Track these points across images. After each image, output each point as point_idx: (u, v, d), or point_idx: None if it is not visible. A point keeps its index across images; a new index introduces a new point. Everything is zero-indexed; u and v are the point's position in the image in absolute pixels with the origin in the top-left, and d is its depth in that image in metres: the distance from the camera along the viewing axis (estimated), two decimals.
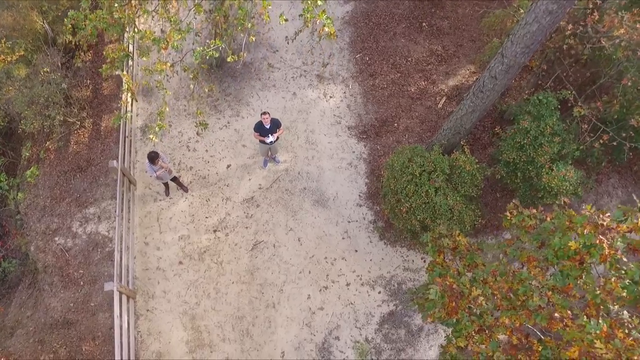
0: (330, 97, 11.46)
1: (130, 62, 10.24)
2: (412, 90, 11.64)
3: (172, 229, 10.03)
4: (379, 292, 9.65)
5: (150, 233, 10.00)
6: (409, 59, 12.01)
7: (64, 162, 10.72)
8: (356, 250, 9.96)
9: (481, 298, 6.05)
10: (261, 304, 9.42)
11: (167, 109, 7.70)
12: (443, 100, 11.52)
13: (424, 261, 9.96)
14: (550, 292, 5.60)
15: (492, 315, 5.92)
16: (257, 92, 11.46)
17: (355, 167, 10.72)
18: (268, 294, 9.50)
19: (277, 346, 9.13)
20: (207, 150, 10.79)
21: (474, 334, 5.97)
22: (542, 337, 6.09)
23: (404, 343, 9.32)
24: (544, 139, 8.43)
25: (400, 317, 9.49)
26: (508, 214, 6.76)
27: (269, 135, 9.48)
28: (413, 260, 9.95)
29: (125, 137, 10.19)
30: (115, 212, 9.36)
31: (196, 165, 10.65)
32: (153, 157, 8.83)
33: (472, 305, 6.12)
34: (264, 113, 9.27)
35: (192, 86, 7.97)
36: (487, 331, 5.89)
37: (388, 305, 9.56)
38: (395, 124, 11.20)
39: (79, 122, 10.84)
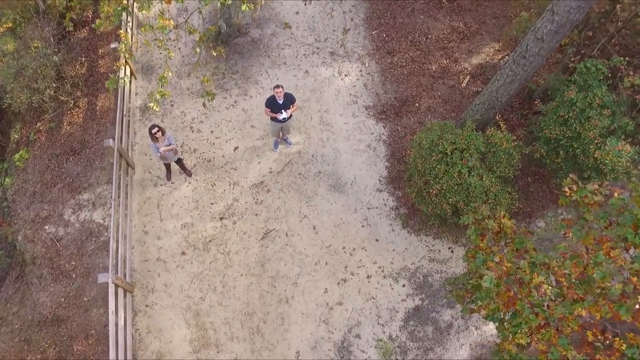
0: (346, 75, 10.40)
1: (128, 18, 9.15)
2: (434, 68, 10.57)
3: (174, 217, 8.92)
4: (403, 286, 8.56)
5: (150, 221, 8.88)
6: (429, 36, 10.96)
7: (56, 144, 9.61)
8: (377, 240, 8.87)
9: (545, 286, 4.97)
10: (273, 299, 8.31)
11: (170, 74, 6.61)
12: (467, 79, 10.47)
13: (452, 251, 8.88)
14: (635, 278, 4.53)
15: (559, 307, 4.84)
16: (267, 69, 10.38)
17: (374, 150, 9.63)
18: (280, 288, 8.39)
19: (291, 345, 8.02)
20: (212, 132, 9.69)
21: (537, 329, 4.88)
22: (617, 332, 5.02)
23: (432, 341, 8.21)
24: (592, 111, 7.36)
25: (427, 313, 8.39)
26: (566, 189, 5.69)
27: (282, 111, 8.40)
28: (440, 251, 8.86)
29: (122, 116, 9.09)
30: (111, 197, 8.27)
31: (200, 147, 9.55)
32: (151, 130, 7.74)
33: (534, 295, 5.04)
34: (277, 86, 8.20)
35: (198, 50, 6.87)
36: (555, 326, 4.80)
37: (413, 300, 8.46)
38: (417, 104, 10.13)
39: (72, 101, 9.73)
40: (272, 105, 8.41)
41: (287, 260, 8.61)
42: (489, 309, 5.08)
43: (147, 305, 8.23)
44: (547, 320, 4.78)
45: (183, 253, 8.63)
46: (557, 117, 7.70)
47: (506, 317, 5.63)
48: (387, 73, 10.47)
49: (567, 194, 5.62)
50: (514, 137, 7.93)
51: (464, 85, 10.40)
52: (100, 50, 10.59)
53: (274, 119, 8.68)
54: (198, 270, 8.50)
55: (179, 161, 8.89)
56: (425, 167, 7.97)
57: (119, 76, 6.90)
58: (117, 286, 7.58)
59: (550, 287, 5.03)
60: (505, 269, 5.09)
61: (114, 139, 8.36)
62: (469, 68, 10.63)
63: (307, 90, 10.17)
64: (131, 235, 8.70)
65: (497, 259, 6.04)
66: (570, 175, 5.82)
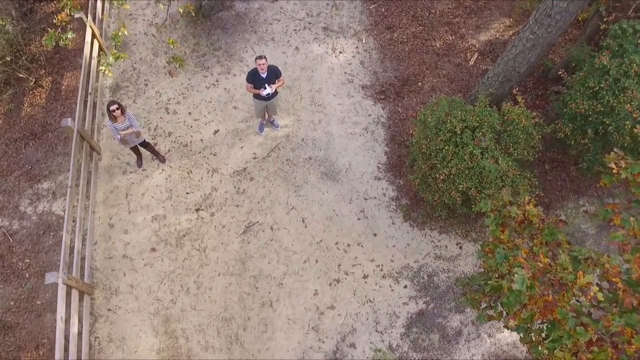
0: (340, 52, 9.12)
1: None
2: (438, 45, 9.30)
3: (144, 208, 7.65)
4: (405, 287, 7.27)
5: (117, 212, 7.61)
6: (432, 10, 9.69)
7: (15, 128, 8.35)
8: (375, 234, 7.59)
9: (594, 288, 3.68)
10: (255, 302, 7.03)
11: (126, 32, 5.36)
12: (475, 57, 9.19)
13: (460, 247, 7.59)
14: None
15: (617, 317, 3.55)
16: (252, 46, 9.11)
17: (372, 133, 8.35)
18: (264, 289, 7.11)
19: (275, 356, 6.73)
20: (190, 113, 8.42)
21: (586, 347, 3.58)
22: None
23: (438, 351, 6.92)
24: (629, 81, 6.08)
25: (432, 318, 7.09)
26: (613, 165, 4.41)
27: (266, 86, 7.13)
28: (446, 247, 7.57)
29: (87, 93, 7.85)
30: (74, 184, 6.99)
31: (176, 130, 8.28)
32: (109, 107, 6.49)
33: (579, 300, 3.75)
34: (260, 57, 6.93)
35: (161, 6, 5.62)
36: (611, 342, 3.51)
37: (417, 303, 7.17)
38: (419, 83, 8.85)
39: (33, 80, 8.48)
40: (254, 79, 7.14)
41: (272, 257, 7.33)
42: (519, 318, 3.78)
43: (109, 310, 6.95)
44: (601, 334, 3.49)
45: (153, 249, 7.35)
46: (586, 90, 6.41)
47: (534, 327, 4.36)
48: (386, 50, 9.20)
49: (615, 171, 4.34)
50: (534, 114, 6.65)
51: (471, 63, 9.12)
52: (69, 26, 9.31)
53: (257, 96, 7.42)
54: (169, 269, 7.22)
55: (148, 145, 7.63)
56: (430, 149, 6.69)
57: (59, 33, 5.63)
58: (70, 287, 6.32)
59: (599, 290, 3.74)
60: (541, 266, 3.79)
61: (73, 119, 7.13)
62: (477, 45, 9.35)
63: (297, 68, 8.91)
64: (94, 228, 7.44)
65: (523, 254, 4.75)
66: (615, 150, 4.54)
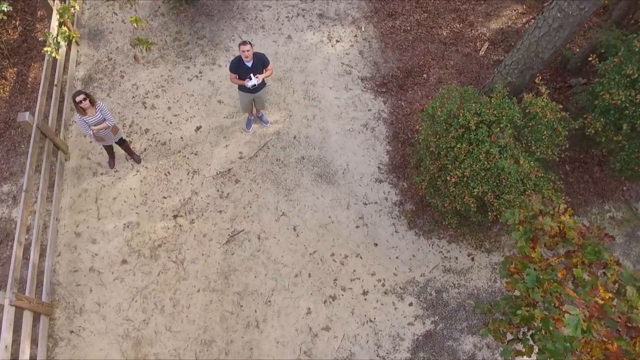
0: (337, 41, 8.11)
1: None
2: (445, 34, 8.29)
3: (115, 214, 6.64)
4: (410, 304, 6.26)
5: (85, 219, 6.60)
6: None
7: None
8: (376, 244, 6.58)
9: None
10: (239, 323, 6.02)
11: (77, 7, 4.35)
12: (486, 46, 8.18)
13: (472, 259, 6.58)
14: None
15: None
16: (240, 34, 8.10)
17: (372, 130, 7.34)
18: (249, 308, 6.11)
19: None
20: (169, 108, 7.41)
21: None
22: None
23: None
24: None
25: (441, 341, 6.09)
26: None
27: (251, 76, 6.12)
28: (457, 258, 6.56)
29: (52, 86, 6.85)
30: (36, 187, 6.00)
31: (154, 127, 7.27)
32: (75, 98, 5.49)
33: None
34: (244, 43, 5.92)
35: None
36: None
37: (423, 323, 6.17)
38: (425, 75, 7.84)
39: None
40: (238, 68, 6.14)
41: (259, 271, 6.32)
42: None
43: (71, 332, 5.94)
44: None
45: (124, 261, 6.34)
46: (622, 78, 5.40)
47: None
48: (387, 39, 8.18)
49: None
50: (560, 106, 5.64)
51: (482, 53, 8.12)
52: (39, 12, 8.34)
53: (242, 88, 6.41)
54: (142, 284, 6.21)
55: (123, 144, 6.63)
56: (440, 148, 5.68)
57: None
58: (20, 309, 5.31)
59: None
60: (600, 302, 2.79)
61: (32, 113, 6.13)
62: (488, 34, 8.34)
63: (289, 59, 7.89)
64: (57, 237, 6.43)
65: (559, 276, 3.77)
66: None
